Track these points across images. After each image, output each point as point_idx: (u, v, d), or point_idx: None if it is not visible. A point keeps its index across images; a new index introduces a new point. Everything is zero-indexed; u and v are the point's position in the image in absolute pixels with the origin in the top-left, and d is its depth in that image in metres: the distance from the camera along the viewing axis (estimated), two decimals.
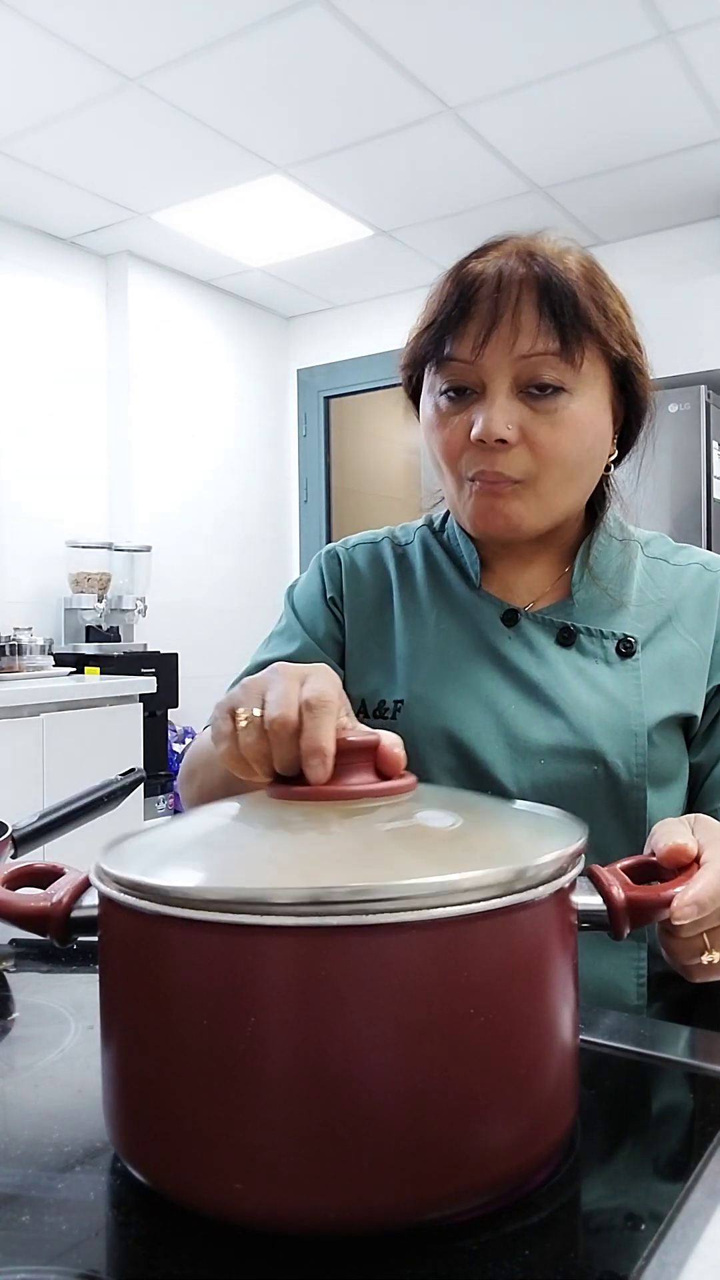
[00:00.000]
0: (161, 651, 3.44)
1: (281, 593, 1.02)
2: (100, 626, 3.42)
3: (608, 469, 0.87)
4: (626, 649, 0.83)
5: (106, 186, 3.17)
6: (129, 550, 3.61)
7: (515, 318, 0.76)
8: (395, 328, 4.42)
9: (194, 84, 2.57)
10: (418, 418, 0.89)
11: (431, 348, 0.80)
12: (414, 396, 0.89)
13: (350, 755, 0.51)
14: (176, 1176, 0.42)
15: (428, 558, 0.93)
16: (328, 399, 4.35)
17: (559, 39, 2.37)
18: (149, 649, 3.47)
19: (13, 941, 0.78)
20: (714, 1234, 0.41)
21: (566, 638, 0.84)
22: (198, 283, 3.99)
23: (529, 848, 0.46)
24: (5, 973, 0.74)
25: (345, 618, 0.93)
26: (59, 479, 3.56)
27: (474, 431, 0.77)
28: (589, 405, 0.79)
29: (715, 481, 2.86)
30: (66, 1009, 0.66)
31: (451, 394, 0.80)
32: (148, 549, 3.64)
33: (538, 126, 2.79)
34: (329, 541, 4.27)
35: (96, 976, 0.48)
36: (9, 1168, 0.47)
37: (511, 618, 0.86)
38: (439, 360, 0.80)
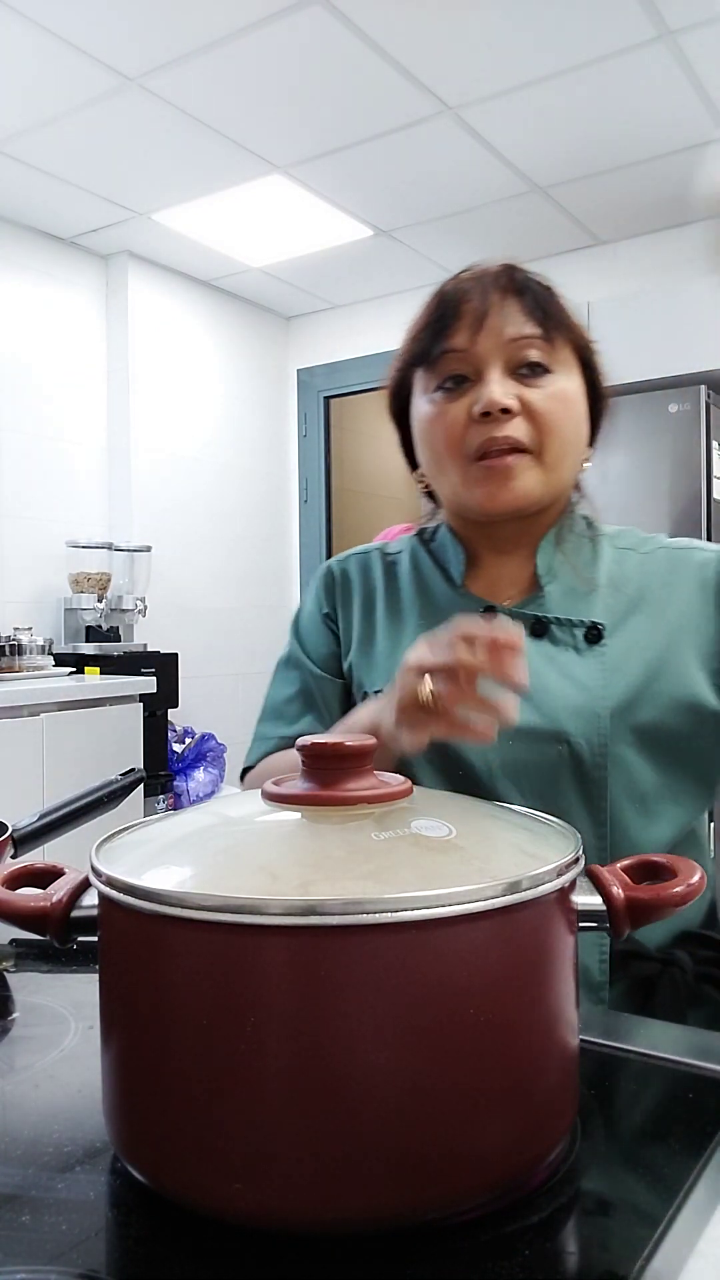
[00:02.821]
0: (161, 651, 3.44)
1: (281, 591, 1.07)
2: (100, 626, 3.41)
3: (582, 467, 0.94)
4: (594, 635, 0.88)
5: (106, 186, 3.17)
6: (129, 550, 3.61)
7: (502, 309, 0.86)
8: (395, 328, 4.42)
9: (194, 84, 2.57)
10: (401, 436, 0.98)
11: (428, 346, 0.89)
12: (400, 414, 0.97)
13: (347, 760, 0.51)
14: (176, 1176, 0.42)
15: (414, 565, 1.00)
16: (328, 399, 4.35)
17: (559, 39, 2.37)
18: (149, 649, 3.47)
19: (13, 941, 0.78)
20: (714, 1234, 0.41)
21: (539, 629, 0.90)
22: (198, 283, 3.99)
23: (523, 860, 0.46)
24: (5, 973, 0.74)
25: (340, 627, 1.01)
26: (59, 479, 3.56)
27: (477, 407, 0.85)
28: (571, 384, 0.88)
29: (715, 481, 2.86)
30: (66, 1009, 0.66)
31: (448, 384, 0.88)
32: (148, 549, 3.64)
33: (538, 126, 2.79)
34: (329, 541, 4.28)
35: (96, 976, 0.48)
36: (9, 1168, 0.47)
37: (489, 614, 0.92)
38: (434, 357, 0.88)
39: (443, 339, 0.87)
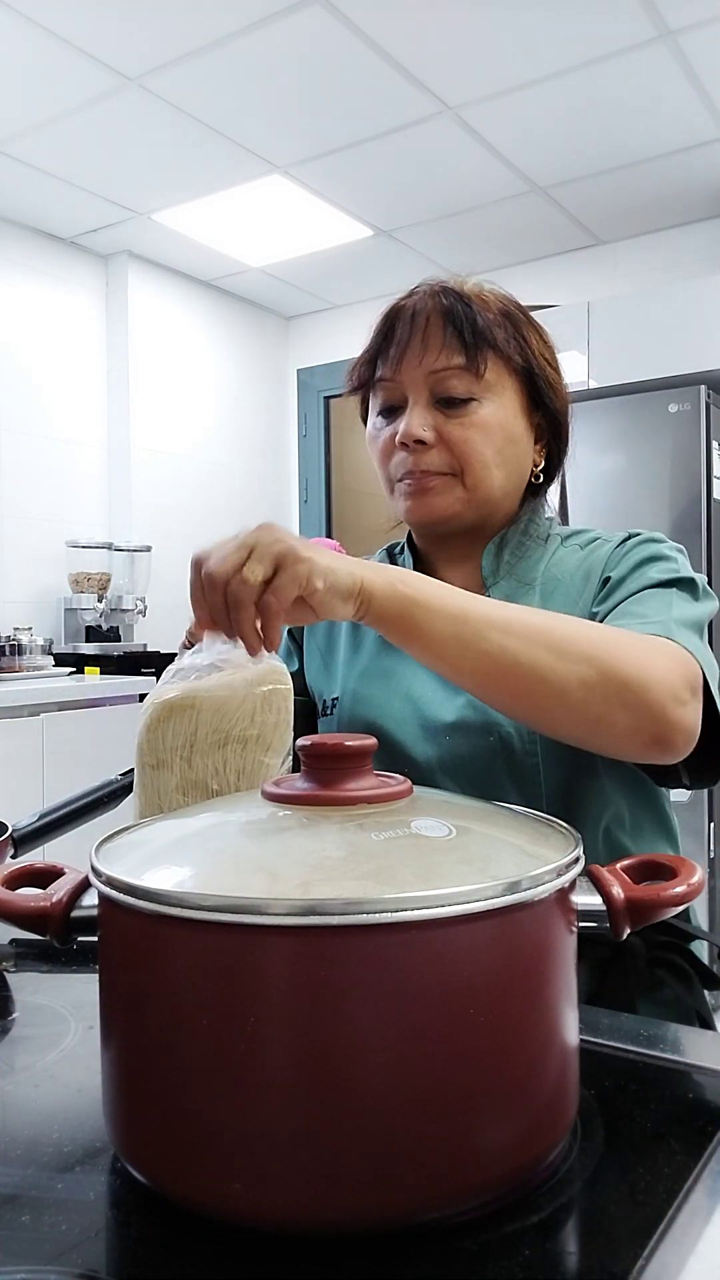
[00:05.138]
0: (162, 652, 3.43)
1: None
2: (100, 626, 3.41)
3: (536, 478, 0.97)
4: None
5: (106, 186, 3.17)
6: (129, 550, 3.61)
7: (425, 339, 0.89)
8: None
9: (194, 84, 2.57)
10: None
11: (367, 375, 0.95)
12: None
13: (347, 760, 0.51)
14: (176, 1176, 0.42)
15: None
16: (328, 399, 4.34)
17: (559, 39, 2.37)
18: (149, 649, 3.47)
19: (13, 941, 0.78)
20: (714, 1234, 0.41)
21: None
22: (198, 283, 3.99)
23: (523, 860, 0.46)
24: (5, 973, 0.74)
25: (304, 642, 1.06)
26: (59, 479, 3.56)
27: (397, 437, 0.90)
28: (497, 410, 0.90)
29: (715, 481, 2.86)
30: (66, 1009, 0.66)
31: (385, 412, 0.94)
32: (148, 549, 3.64)
33: (538, 126, 2.79)
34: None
35: (96, 976, 0.48)
36: (9, 1168, 0.47)
37: None
38: (373, 384, 0.94)
39: (375, 369, 0.93)
